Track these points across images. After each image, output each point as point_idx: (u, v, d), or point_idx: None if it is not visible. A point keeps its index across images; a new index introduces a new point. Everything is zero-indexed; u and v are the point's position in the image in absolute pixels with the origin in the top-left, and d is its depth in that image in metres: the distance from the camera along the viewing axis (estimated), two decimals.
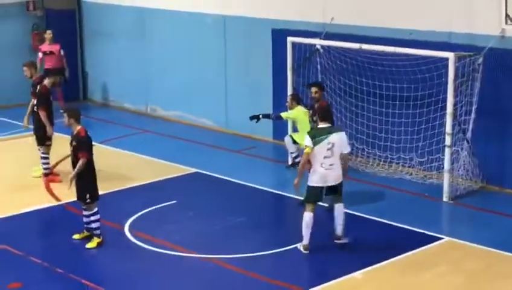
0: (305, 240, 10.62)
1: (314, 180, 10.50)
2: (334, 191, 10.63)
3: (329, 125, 10.82)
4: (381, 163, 13.86)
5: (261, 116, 13.79)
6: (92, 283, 9.82)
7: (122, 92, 19.33)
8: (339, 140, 10.49)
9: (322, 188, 10.56)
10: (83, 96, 19.99)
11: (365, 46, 13.27)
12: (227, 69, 16.75)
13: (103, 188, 11.49)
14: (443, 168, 12.68)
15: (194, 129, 17.29)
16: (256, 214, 12.45)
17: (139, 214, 12.10)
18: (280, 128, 15.04)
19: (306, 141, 10.52)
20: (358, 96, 13.77)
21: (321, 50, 14.23)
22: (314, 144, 10.34)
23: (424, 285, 9.74)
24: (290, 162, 14.34)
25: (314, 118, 11.94)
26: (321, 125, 10.67)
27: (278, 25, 15.33)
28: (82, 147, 10.80)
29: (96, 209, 10.91)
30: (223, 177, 13.95)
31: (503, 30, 12.17)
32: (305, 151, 10.57)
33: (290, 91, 14.27)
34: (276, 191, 13.35)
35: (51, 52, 18.18)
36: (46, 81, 13.93)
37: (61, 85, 17.89)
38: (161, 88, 18.28)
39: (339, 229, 10.71)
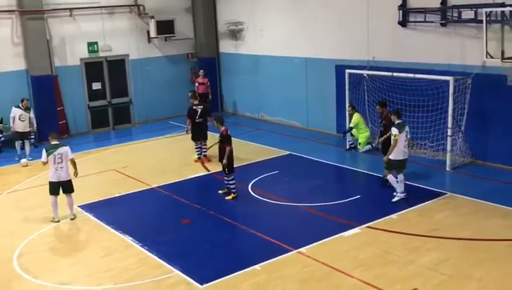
0: (399, 189, 10.46)
1: (396, 156, 10.42)
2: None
3: (402, 121, 10.64)
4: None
5: (345, 132, 14.07)
6: (230, 219, 10.12)
7: (243, 106, 19.58)
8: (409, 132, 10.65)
9: (402, 160, 10.46)
10: (220, 109, 20.29)
11: (395, 74, 13.19)
12: (308, 91, 16.81)
13: (236, 164, 11.54)
14: (446, 149, 12.48)
15: (287, 128, 17.29)
16: (327, 178, 12.46)
17: (256, 179, 12.23)
18: (341, 126, 15.02)
19: (394, 130, 10.32)
20: (391, 105, 13.54)
21: (367, 77, 14.20)
22: (400, 132, 10.32)
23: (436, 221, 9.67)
24: (347, 147, 14.44)
25: (383, 122, 11.63)
26: (398, 121, 10.53)
27: (339, 62, 15.33)
28: (225, 141, 11.01)
29: (232, 176, 11.13)
30: (306, 156, 13.99)
31: (484, 62, 11.88)
32: (394, 137, 10.29)
33: (347, 103, 14.31)
34: (337, 164, 13.27)
35: (203, 83, 18.55)
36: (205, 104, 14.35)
37: (207, 103, 18.29)
38: (268, 102, 18.40)
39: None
